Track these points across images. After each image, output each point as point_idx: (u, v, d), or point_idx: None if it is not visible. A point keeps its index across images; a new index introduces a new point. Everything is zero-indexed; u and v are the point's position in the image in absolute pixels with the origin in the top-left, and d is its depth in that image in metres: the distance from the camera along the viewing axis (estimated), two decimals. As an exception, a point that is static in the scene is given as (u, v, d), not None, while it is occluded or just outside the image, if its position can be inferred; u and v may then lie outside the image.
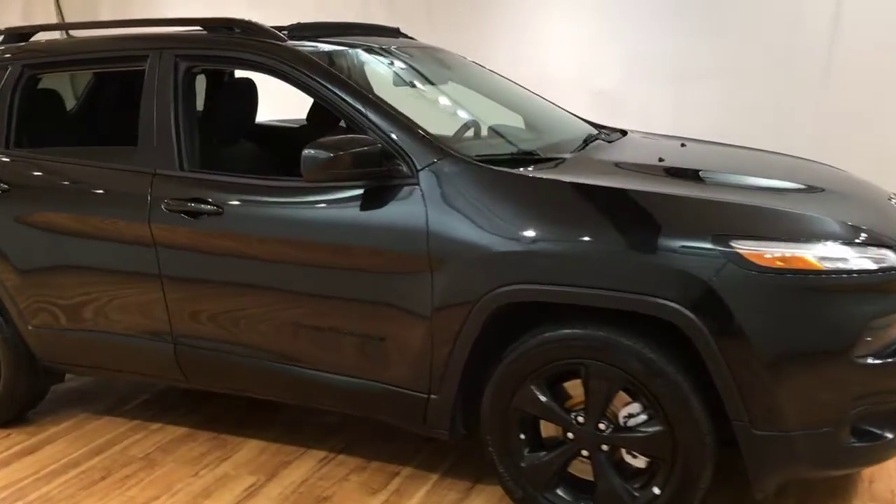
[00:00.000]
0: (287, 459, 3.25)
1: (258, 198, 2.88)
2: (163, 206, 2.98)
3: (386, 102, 2.78)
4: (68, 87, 4.13)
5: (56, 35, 3.85)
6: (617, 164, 2.90)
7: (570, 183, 2.53)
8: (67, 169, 3.26)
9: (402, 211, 2.63)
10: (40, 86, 3.54)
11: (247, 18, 3.10)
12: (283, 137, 4.03)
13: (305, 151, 2.56)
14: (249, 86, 3.44)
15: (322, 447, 3.33)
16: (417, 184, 2.63)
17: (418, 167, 2.64)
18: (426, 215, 2.58)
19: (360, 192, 2.69)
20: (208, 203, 2.91)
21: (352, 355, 2.81)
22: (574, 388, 2.58)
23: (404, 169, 2.66)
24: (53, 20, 8.64)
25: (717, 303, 2.26)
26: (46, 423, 3.69)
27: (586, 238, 2.40)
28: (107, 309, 3.20)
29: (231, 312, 2.97)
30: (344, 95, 2.79)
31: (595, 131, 3.50)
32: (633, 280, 2.33)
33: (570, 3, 6.06)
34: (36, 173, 3.31)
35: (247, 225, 2.86)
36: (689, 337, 2.30)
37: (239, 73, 3.72)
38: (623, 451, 2.52)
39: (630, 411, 2.48)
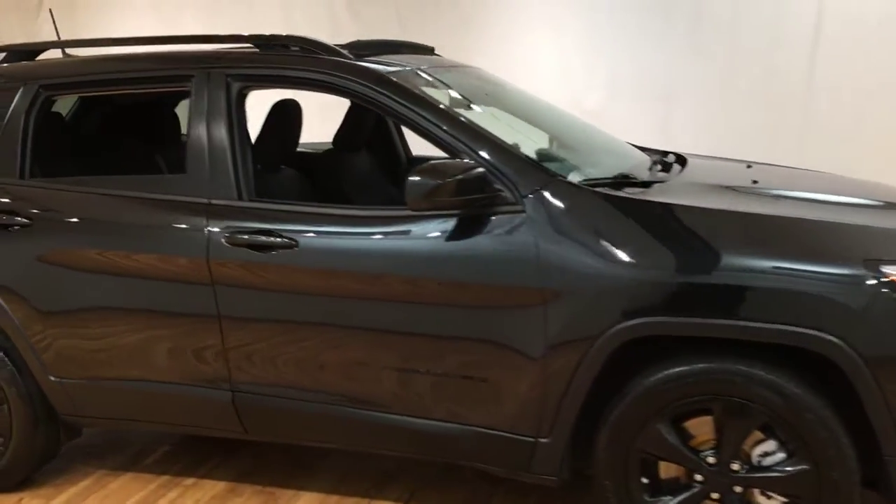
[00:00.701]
0: (352, 513, 2.99)
1: (338, 229, 2.63)
2: (223, 240, 2.70)
3: (479, 125, 2.59)
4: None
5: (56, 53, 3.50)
6: (724, 188, 2.77)
7: (703, 209, 2.38)
8: (102, 200, 2.92)
9: (508, 240, 2.43)
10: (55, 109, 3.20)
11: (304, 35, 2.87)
12: (311, 163, 3.77)
13: (412, 178, 2.34)
14: (296, 107, 3.18)
15: (385, 497, 3.07)
16: (523, 211, 2.44)
17: (523, 193, 2.45)
18: (536, 244, 2.39)
19: (456, 221, 2.48)
20: (280, 235, 2.64)
21: (447, 398, 2.59)
22: (697, 426, 2.42)
23: (507, 195, 2.47)
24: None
25: (872, 332, 2.15)
26: (61, 482, 3.30)
27: (727, 266, 2.25)
28: (150, 355, 2.87)
29: (303, 355, 2.69)
30: (434, 118, 2.58)
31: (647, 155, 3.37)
32: (780, 311, 2.19)
33: (551, 21, 6.00)
34: (63, 205, 2.96)
35: (326, 258, 2.61)
36: (836, 369, 2.18)
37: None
38: (756, 492, 2.37)
39: (765, 449, 2.34)
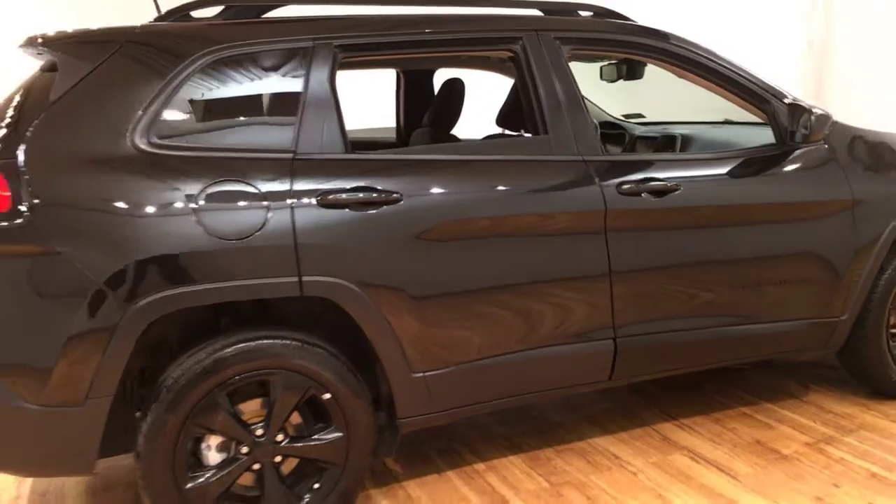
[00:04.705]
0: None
1: (716, 171, 3.08)
2: (616, 191, 2.85)
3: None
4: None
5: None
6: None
7: None
8: (470, 167, 2.74)
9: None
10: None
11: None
12: None
13: (821, 113, 2.98)
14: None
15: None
16: (825, 144, 3.22)
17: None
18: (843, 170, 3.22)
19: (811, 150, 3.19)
20: (665, 181, 2.94)
21: (782, 302, 3.20)
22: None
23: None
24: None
25: None
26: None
27: None
28: (530, 322, 2.80)
29: (686, 289, 3.02)
30: (747, 76, 3.18)
31: None
32: None
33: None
34: (431, 176, 2.67)
35: (711, 198, 3.02)
36: None
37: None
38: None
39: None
